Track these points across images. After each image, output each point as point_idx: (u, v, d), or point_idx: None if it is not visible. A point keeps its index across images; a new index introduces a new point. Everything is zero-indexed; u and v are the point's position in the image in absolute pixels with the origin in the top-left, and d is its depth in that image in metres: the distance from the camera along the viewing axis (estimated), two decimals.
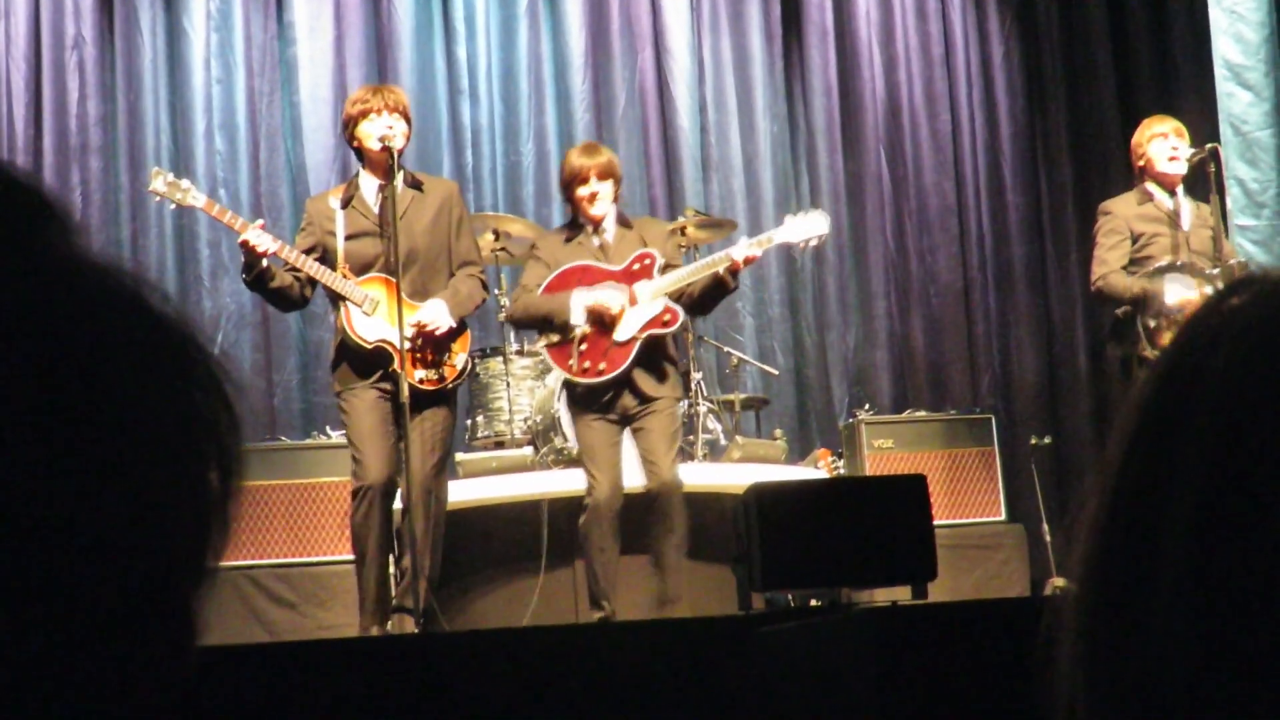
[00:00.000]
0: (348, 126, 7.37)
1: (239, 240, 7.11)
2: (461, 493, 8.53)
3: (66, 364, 0.86)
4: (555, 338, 7.73)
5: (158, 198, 7.44)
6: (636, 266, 7.76)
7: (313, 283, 7.32)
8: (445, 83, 11.31)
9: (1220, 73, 10.38)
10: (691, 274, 7.78)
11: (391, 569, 7.42)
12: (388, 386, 7.23)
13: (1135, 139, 8.55)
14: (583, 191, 7.72)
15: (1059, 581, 8.89)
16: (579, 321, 7.63)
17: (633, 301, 7.71)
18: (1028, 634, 1.05)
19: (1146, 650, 0.92)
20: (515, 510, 8.44)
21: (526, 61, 11.41)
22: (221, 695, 5.29)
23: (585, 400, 7.74)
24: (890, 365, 11.60)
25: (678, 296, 7.79)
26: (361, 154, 7.41)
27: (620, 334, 7.67)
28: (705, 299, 7.91)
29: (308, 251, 7.25)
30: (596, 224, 7.79)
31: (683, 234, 9.51)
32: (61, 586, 0.84)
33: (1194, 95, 10.84)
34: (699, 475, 8.81)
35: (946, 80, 12.04)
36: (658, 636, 6.21)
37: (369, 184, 7.39)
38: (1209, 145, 8.41)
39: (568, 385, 7.93)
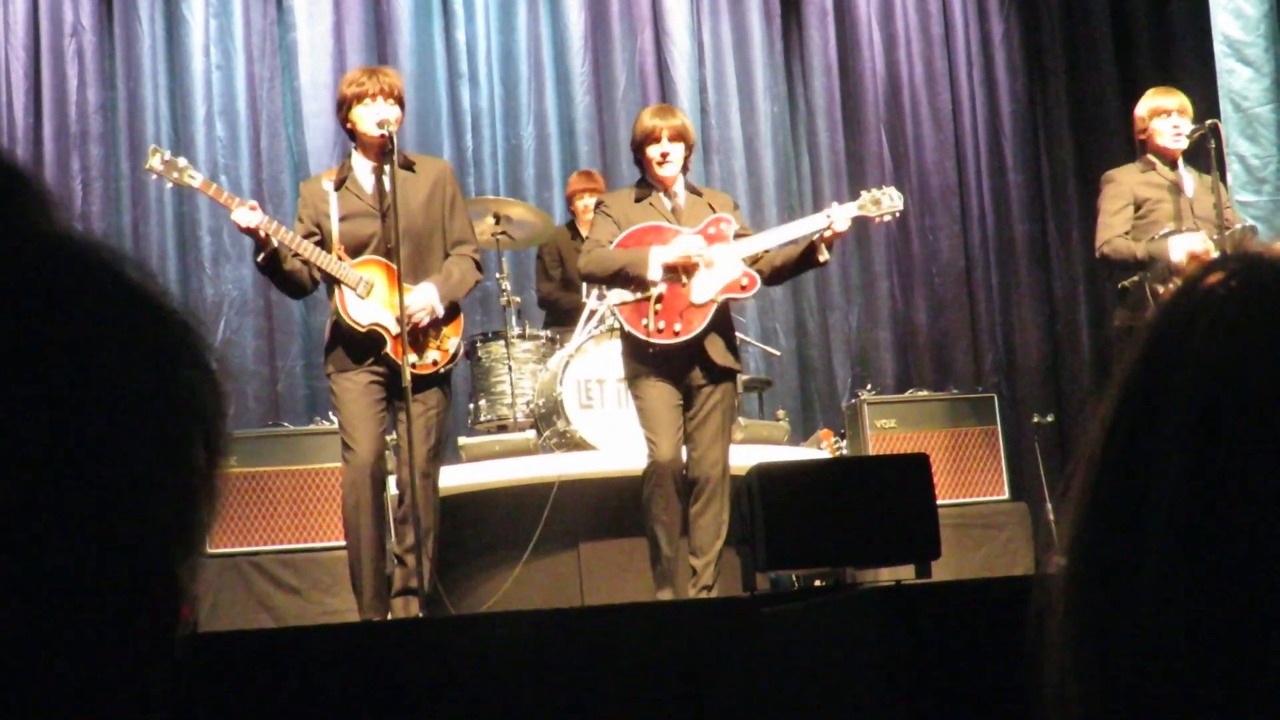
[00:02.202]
0: (342, 108, 7.31)
1: (235, 221, 7.08)
2: (464, 476, 8.54)
3: (47, 340, 0.86)
4: (629, 296, 7.57)
5: (155, 176, 7.42)
6: (712, 230, 7.64)
7: None
8: (445, 66, 11.30)
9: (1220, 49, 10.38)
10: (773, 240, 7.71)
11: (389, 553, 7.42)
12: (381, 370, 7.20)
13: (1138, 112, 8.52)
14: (653, 152, 7.62)
15: (1062, 560, 8.89)
16: (656, 277, 7.49)
17: (709, 264, 7.57)
18: (1029, 611, 1.06)
19: (1134, 624, 0.93)
20: (518, 494, 8.44)
21: (526, 44, 11.41)
22: (227, 681, 5.30)
23: (652, 362, 7.56)
24: (893, 345, 11.60)
25: (753, 263, 7.67)
26: (354, 135, 7.37)
27: (697, 296, 7.52)
28: (788, 270, 7.83)
29: (308, 235, 7.22)
30: (667, 186, 7.68)
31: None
32: (48, 560, 0.84)
33: (1194, 71, 10.83)
34: None
35: (946, 59, 12.03)
36: (662, 618, 6.21)
37: (362, 166, 7.35)
38: (1209, 121, 8.40)
39: (633, 347, 7.64)
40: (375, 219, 7.27)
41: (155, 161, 7.36)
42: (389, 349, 7.15)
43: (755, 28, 11.81)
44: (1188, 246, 7.95)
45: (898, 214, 8.07)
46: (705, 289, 7.51)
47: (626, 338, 7.61)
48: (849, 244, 11.64)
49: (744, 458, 8.39)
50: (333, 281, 7.20)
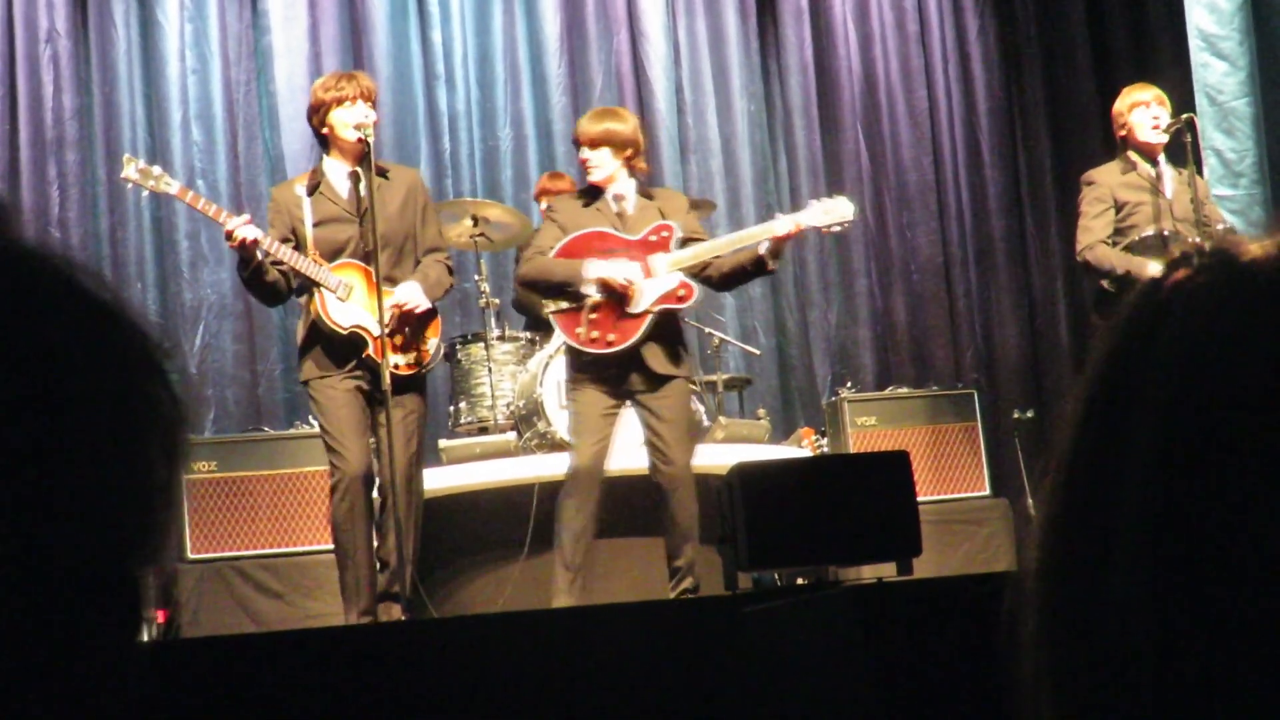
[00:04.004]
0: (318, 112, 7.29)
1: (225, 233, 7.03)
2: (445, 479, 8.53)
3: (5, 349, 0.86)
4: (565, 304, 7.55)
5: (130, 184, 7.40)
6: (654, 238, 7.57)
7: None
8: (421, 68, 11.29)
9: (1195, 43, 10.39)
10: (710, 250, 7.60)
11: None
12: (361, 374, 7.19)
13: (1116, 108, 8.55)
14: (580, 157, 7.67)
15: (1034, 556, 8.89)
16: (591, 291, 7.45)
17: (648, 274, 7.50)
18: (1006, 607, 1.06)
19: (1103, 621, 0.93)
20: (499, 495, 8.44)
21: (502, 46, 11.40)
22: (210, 686, 5.29)
23: (588, 370, 7.54)
24: (872, 342, 11.61)
25: (700, 271, 7.63)
26: (326, 140, 7.35)
27: (633, 307, 7.46)
28: (736, 278, 7.81)
29: (284, 241, 7.19)
30: (601, 190, 7.62)
31: (661, 215, 9.51)
32: (6, 566, 0.84)
33: (1169, 66, 10.84)
34: None
35: (922, 56, 12.04)
36: (645, 618, 6.21)
37: (337, 171, 7.33)
38: (1185, 115, 8.43)
39: (571, 353, 7.69)
40: (352, 224, 7.26)
41: (130, 170, 7.34)
42: (370, 351, 7.14)
43: (731, 27, 11.81)
44: None
45: (848, 224, 7.96)
46: (641, 301, 7.46)
47: (567, 344, 7.64)
48: (828, 242, 11.64)
49: (724, 457, 8.39)
50: (312, 285, 7.18)
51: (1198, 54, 10.37)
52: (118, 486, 0.90)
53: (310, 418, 8.01)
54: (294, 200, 7.26)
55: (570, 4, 11.53)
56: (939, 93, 12.01)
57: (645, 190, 7.78)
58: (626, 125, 7.73)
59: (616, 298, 7.45)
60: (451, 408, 9.18)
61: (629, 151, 7.62)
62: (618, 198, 7.63)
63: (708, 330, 10.37)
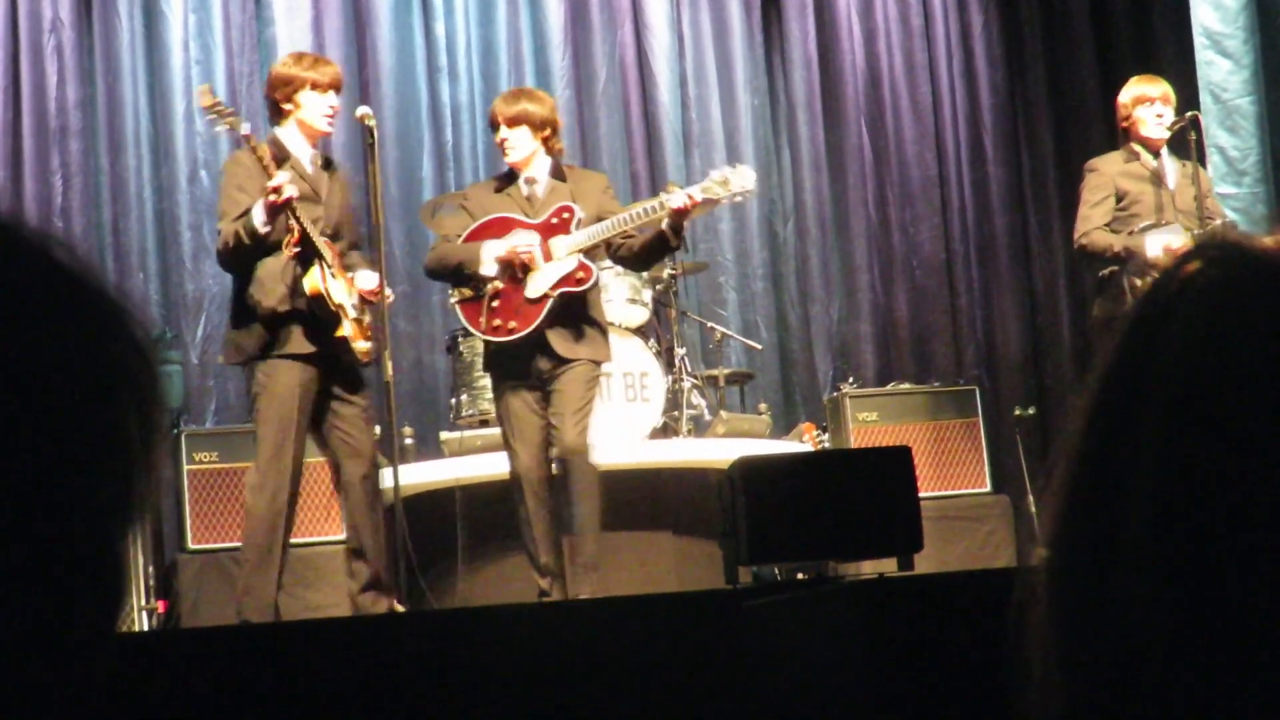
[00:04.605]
0: (288, 86, 7.19)
1: (274, 188, 6.79)
2: (447, 471, 8.54)
3: None
4: (467, 292, 7.46)
5: (208, 116, 7.29)
6: (555, 220, 7.47)
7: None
8: (424, 61, 11.28)
9: (1199, 40, 10.38)
10: (608, 228, 7.43)
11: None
12: (317, 357, 6.98)
13: (1121, 99, 8.53)
14: (496, 138, 7.56)
15: (1045, 552, 8.90)
16: (490, 273, 7.36)
17: (548, 256, 7.40)
18: (1011, 603, 1.06)
19: (1113, 615, 0.94)
20: (501, 488, 8.44)
21: (506, 38, 11.39)
22: (210, 677, 5.29)
23: (499, 362, 7.49)
24: (874, 338, 11.60)
25: (615, 251, 7.56)
26: (282, 113, 7.22)
27: (531, 290, 7.36)
28: (645, 255, 7.62)
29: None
30: (518, 172, 7.53)
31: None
32: None
33: (1174, 63, 10.83)
34: (684, 451, 8.84)
35: (926, 51, 12.03)
36: (645, 611, 6.21)
37: (301, 149, 7.23)
38: (1189, 113, 8.42)
39: (483, 348, 7.69)
40: (317, 204, 7.17)
41: (206, 99, 7.24)
42: (346, 331, 7.03)
43: (735, 20, 11.80)
44: (1164, 243, 7.96)
45: (749, 194, 7.73)
46: (539, 284, 7.38)
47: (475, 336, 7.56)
48: (830, 238, 11.65)
49: (726, 451, 8.40)
50: (314, 257, 7.01)
51: (1202, 51, 10.36)
52: (94, 452, 0.90)
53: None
54: (258, 171, 7.02)
55: None
56: (942, 88, 12.00)
57: (560, 172, 7.67)
58: (543, 105, 7.64)
59: (517, 283, 7.35)
60: (453, 400, 9.18)
61: (546, 132, 7.54)
62: (529, 181, 7.55)
63: (709, 325, 10.37)
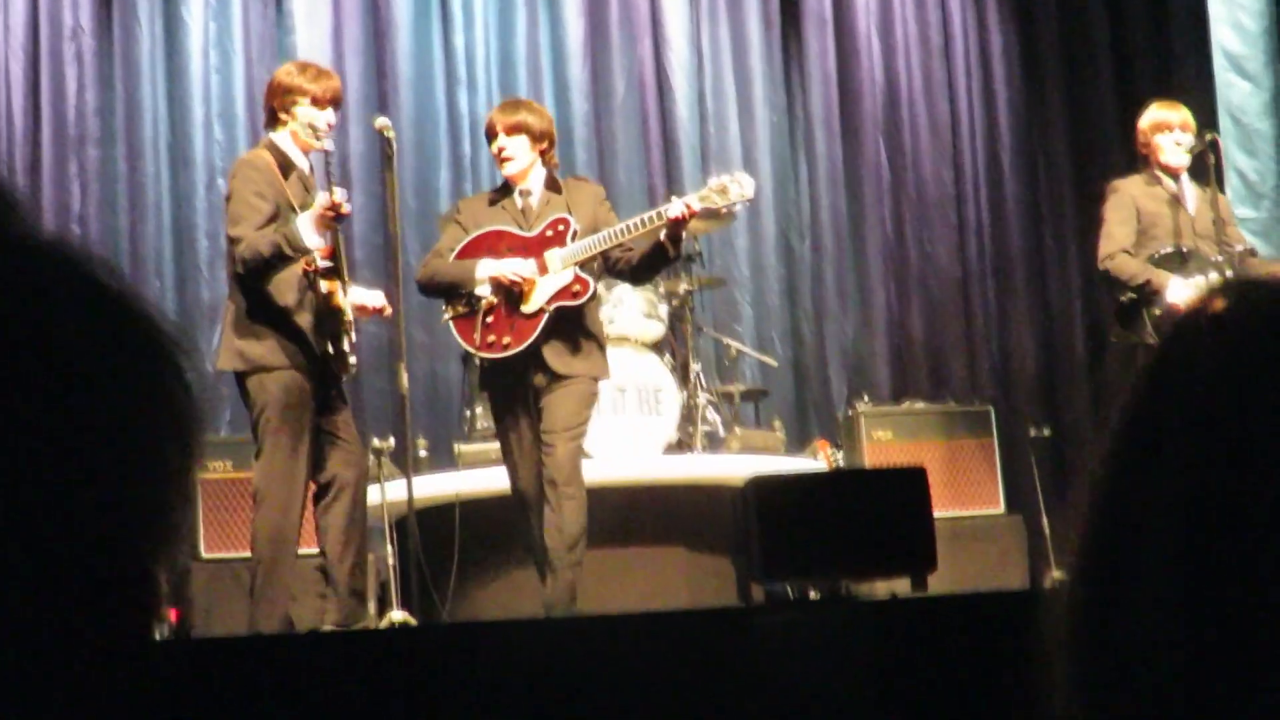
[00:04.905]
0: (288, 95, 7.06)
1: (334, 203, 6.74)
2: (461, 483, 8.53)
3: (20, 342, 0.86)
4: (461, 309, 7.30)
5: (379, 129, 7.23)
6: (550, 233, 7.30)
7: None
8: (443, 72, 11.29)
9: (1219, 63, 10.38)
10: (605, 240, 7.24)
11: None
12: (318, 369, 6.91)
13: (1141, 125, 8.51)
14: (493, 149, 7.41)
15: (1058, 574, 8.89)
16: (484, 292, 7.20)
17: (543, 270, 7.23)
18: (1026, 626, 1.06)
19: (1134, 648, 0.94)
20: (514, 501, 8.44)
21: (525, 50, 11.40)
22: (221, 686, 5.29)
23: (493, 379, 7.35)
24: (889, 355, 11.59)
25: (614, 265, 7.40)
26: (276, 120, 7.10)
27: (527, 306, 7.20)
28: (644, 267, 7.39)
29: (274, 217, 6.89)
30: (515, 185, 7.39)
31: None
32: (20, 560, 0.84)
33: (1193, 84, 10.83)
34: (698, 466, 8.82)
35: (945, 69, 12.03)
36: (656, 627, 6.20)
37: (298, 158, 7.12)
38: (1208, 136, 8.40)
39: (479, 364, 7.50)
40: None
41: (389, 131, 7.22)
42: (346, 345, 6.99)
43: (754, 36, 11.81)
44: (1188, 291, 7.92)
45: (748, 200, 7.58)
46: (535, 298, 7.23)
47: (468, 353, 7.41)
48: (846, 254, 11.64)
49: (740, 467, 8.40)
50: (337, 269, 6.95)
51: (1222, 73, 10.36)
52: (133, 480, 0.90)
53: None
54: (275, 176, 7.00)
55: (594, 10, 11.52)
56: (961, 106, 12.00)
57: (555, 184, 7.51)
58: (542, 117, 7.51)
59: (511, 298, 7.23)
60: (468, 412, 9.17)
61: (544, 144, 7.40)
62: (524, 193, 7.41)
63: (725, 340, 10.37)
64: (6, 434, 0.85)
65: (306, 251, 6.79)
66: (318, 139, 7.09)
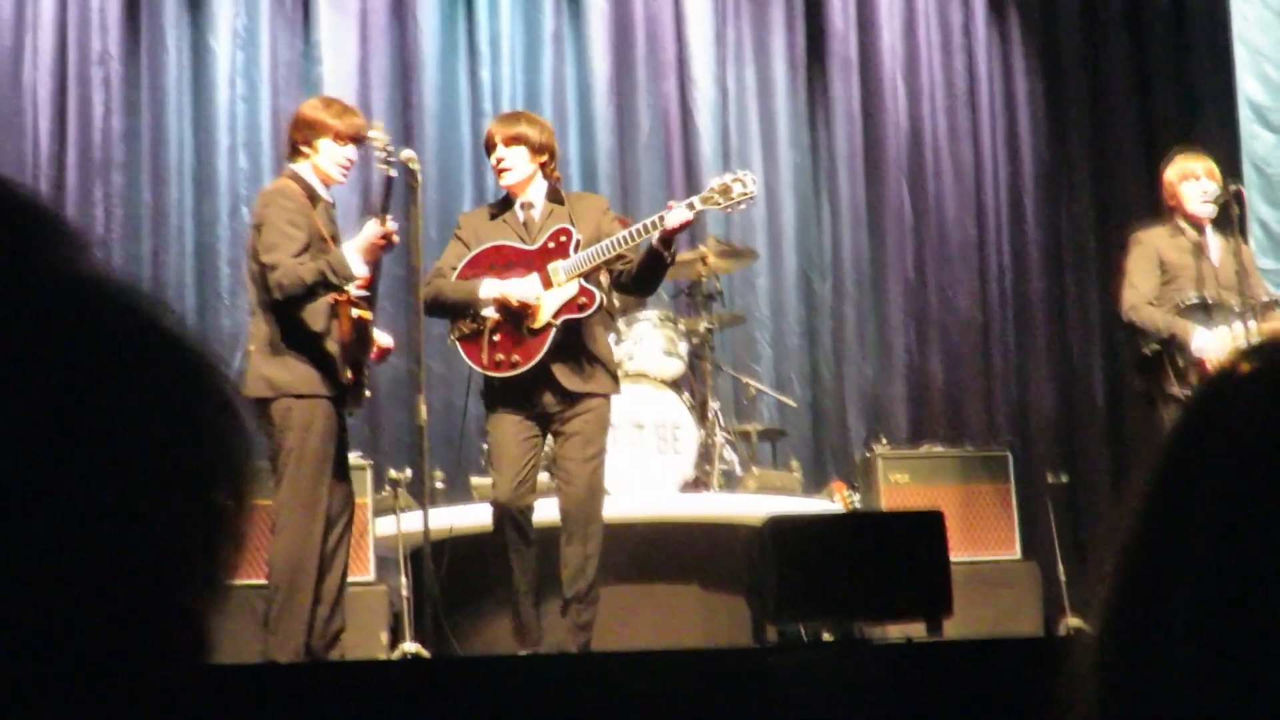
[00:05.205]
0: (313, 129, 7.06)
1: (387, 232, 6.78)
2: (475, 516, 8.51)
3: (76, 382, 0.87)
4: (466, 329, 7.19)
5: (376, 147, 7.17)
6: (552, 245, 7.20)
7: None
8: (469, 106, 11.32)
9: (1244, 114, 10.39)
10: (608, 249, 7.12)
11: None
12: (338, 400, 6.91)
13: (1166, 176, 8.49)
14: (492, 160, 7.32)
15: (1073, 621, 8.87)
16: (489, 312, 7.10)
17: (547, 284, 7.12)
18: (1040, 673, 1.06)
19: (1165, 690, 0.93)
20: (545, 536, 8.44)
21: (550, 86, 11.43)
22: (233, 715, 5.28)
23: (501, 397, 7.16)
24: (907, 398, 11.58)
25: (618, 277, 7.28)
26: (298, 153, 7.09)
27: (534, 321, 7.09)
28: (642, 277, 7.25)
29: (307, 247, 6.89)
30: (515, 197, 7.30)
31: (704, 263, 9.50)
32: (75, 603, 0.84)
33: (1217, 135, 10.83)
34: (714, 505, 8.82)
35: (970, 114, 12.05)
36: (669, 665, 6.19)
37: (323, 190, 7.11)
38: (1232, 187, 8.39)
39: (484, 383, 7.31)
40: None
41: (379, 134, 7.19)
42: (365, 376, 7.00)
43: (780, 76, 11.83)
44: (1211, 343, 7.91)
45: (753, 199, 7.45)
46: (542, 314, 7.12)
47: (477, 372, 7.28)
48: (866, 295, 11.64)
49: (757, 507, 8.39)
50: (373, 301, 6.98)
51: (1247, 125, 10.36)
52: (183, 520, 0.90)
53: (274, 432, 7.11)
54: (307, 207, 7.00)
55: (620, 47, 11.56)
56: (985, 151, 12.01)
57: (558, 196, 7.42)
58: (542, 130, 7.41)
59: (516, 316, 7.13)
60: (484, 445, 9.17)
61: (544, 156, 7.32)
62: (525, 206, 7.32)
63: (744, 379, 10.37)
64: (57, 472, 0.85)
65: (353, 279, 6.81)
66: (338, 174, 7.09)
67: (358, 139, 7.15)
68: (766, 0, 11.90)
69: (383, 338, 7.18)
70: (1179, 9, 12.00)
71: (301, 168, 7.11)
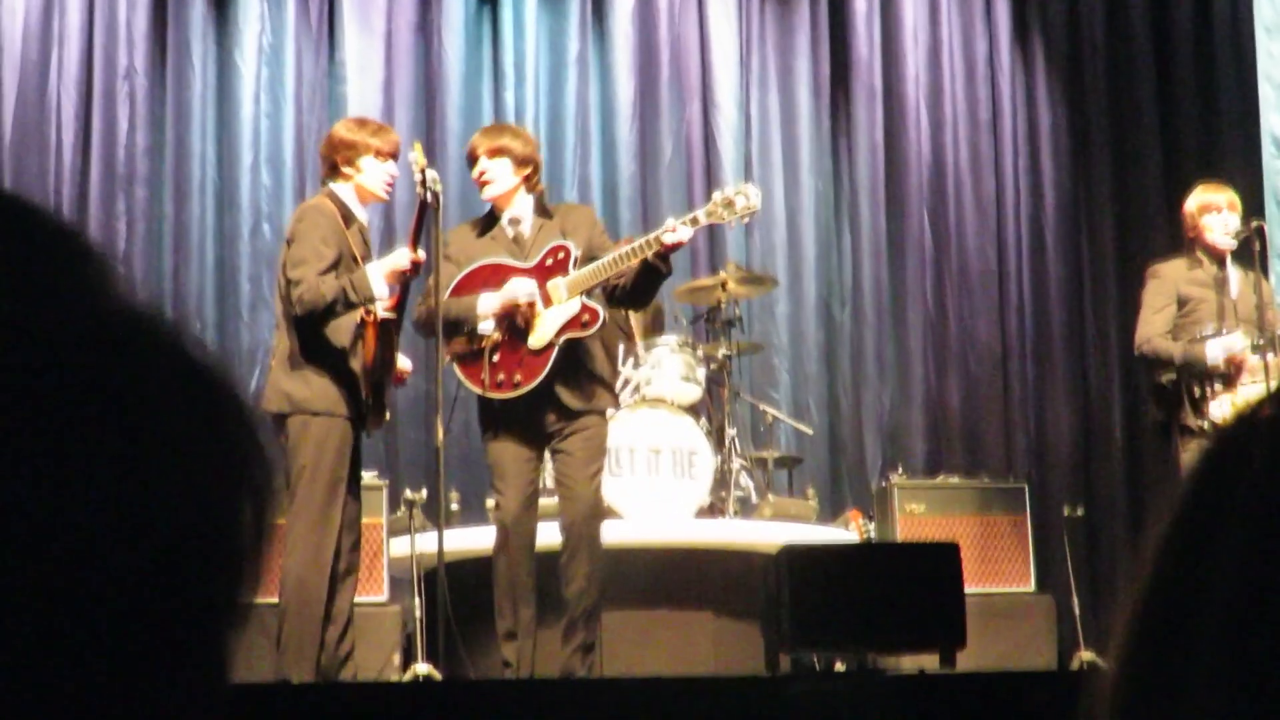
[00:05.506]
0: (351, 149, 7.03)
1: (415, 260, 6.76)
2: (491, 539, 8.52)
3: (100, 407, 0.86)
4: (463, 349, 7.03)
5: (414, 168, 7.08)
6: (550, 261, 7.03)
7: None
8: None
9: (1268, 150, 10.37)
10: (609, 265, 6.96)
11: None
12: (356, 420, 6.88)
13: (1187, 208, 8.49)
14: (474, 173, 7.17)
15: (1087, 654, 8.84)
16: (488, 328, 6.96)
17: (547, 301, 6.96)
18: (1053, 707, 1.06)
19: None
20: (545, 560, 8.43)
21: (574, 109, 11.44)
22: None
23: (500, 418, 7.00)
24: (925, 427, 11.57)
25: (611, 291, 7.10)
26: (337, 175, 7.05)
27: (535, 340, 6.93)
28: (639, 290, 7.09)
29: (334, 264, 6.85)
30: (499, 211, 7.16)
31: (723, 288, 9.50)
32: (97, 628, 0.84)
33: (1240, 170, 10.81)
34: (729, 531, 8.81)
35: (993, 145, 12.05)
36: (681, 692, 6.18)
37: (358, 210, 7.09)
38: (1255, 223, 8.38)
39: (480, 404, 7.16)
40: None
41: (417, 155, 7.12)
42: (385, 398, 7.00)
43: (803, 104, 11.84)
44: (1226, 348, 7.93)
45: (755, 212, 7.35)
46: (542, 332, 6.96)
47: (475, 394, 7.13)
48: (886, 324, 11.63)
49: (772, 534, 8.39)
50: (397, 325, 6.94)
51: (1271, 160, 10.35)
52: (208, 545, 0.90)
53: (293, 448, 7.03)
54: (339, 226, 6.98)
55: (644, 71, 11.57)
56: (1007, 182, 12.01)
57: (544, 209, 7.28)
58: (526, 142, 7.30)
59: (516, 332, 6.99)
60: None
61: (528, 169, 7.16)
62: (513, 221, 7.17)
63: (762, 406, 10.36)
64: (78, 495, 0.85)
65: (373, 300, 6.77)
66: (383, 191, 7.09)
67: (396, 155, 7.16)
68: (792, 26, 11.92)
69: (402, 361, 7.17)
70: (1205, 45, 11.99)
71: (340, 188, 7.11)
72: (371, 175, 7.05)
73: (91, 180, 10.48)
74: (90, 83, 10.58)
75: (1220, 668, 0.92)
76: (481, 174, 7.15)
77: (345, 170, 7.08)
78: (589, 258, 7.06)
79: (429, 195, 6.96)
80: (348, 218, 7.03)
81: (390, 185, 7.10)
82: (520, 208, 7.19)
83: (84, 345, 0.88)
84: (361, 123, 7.32)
